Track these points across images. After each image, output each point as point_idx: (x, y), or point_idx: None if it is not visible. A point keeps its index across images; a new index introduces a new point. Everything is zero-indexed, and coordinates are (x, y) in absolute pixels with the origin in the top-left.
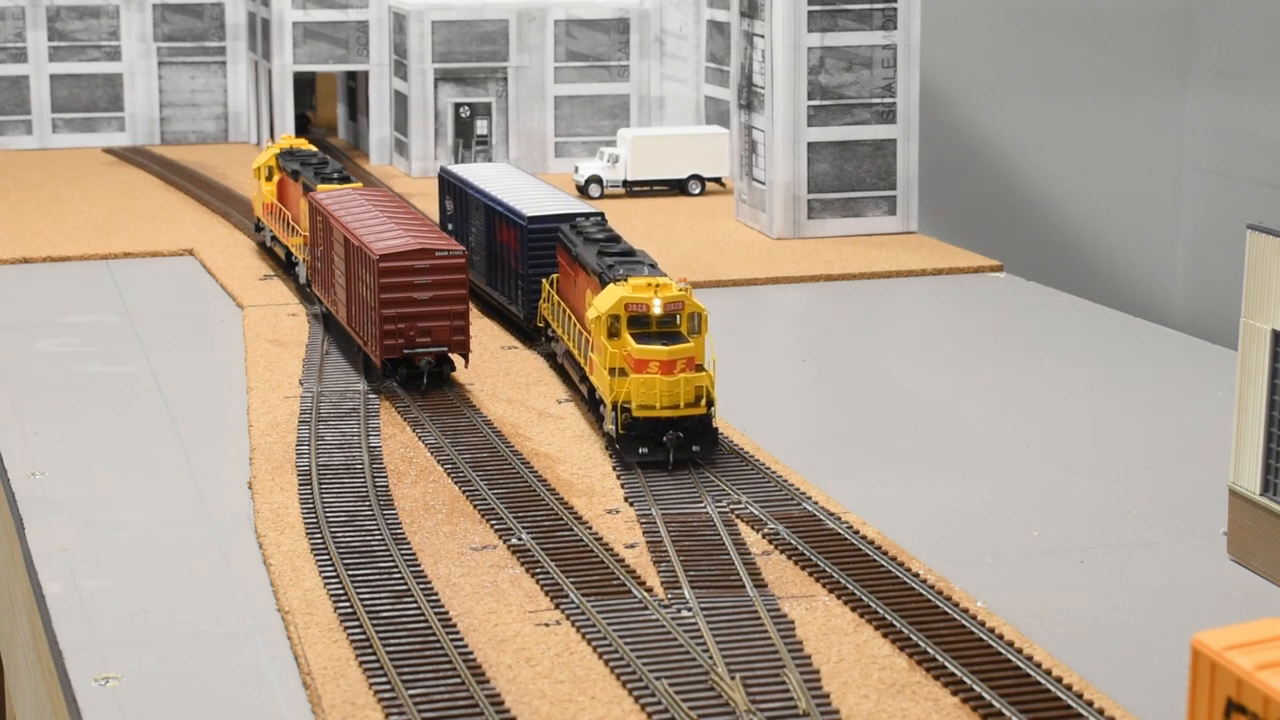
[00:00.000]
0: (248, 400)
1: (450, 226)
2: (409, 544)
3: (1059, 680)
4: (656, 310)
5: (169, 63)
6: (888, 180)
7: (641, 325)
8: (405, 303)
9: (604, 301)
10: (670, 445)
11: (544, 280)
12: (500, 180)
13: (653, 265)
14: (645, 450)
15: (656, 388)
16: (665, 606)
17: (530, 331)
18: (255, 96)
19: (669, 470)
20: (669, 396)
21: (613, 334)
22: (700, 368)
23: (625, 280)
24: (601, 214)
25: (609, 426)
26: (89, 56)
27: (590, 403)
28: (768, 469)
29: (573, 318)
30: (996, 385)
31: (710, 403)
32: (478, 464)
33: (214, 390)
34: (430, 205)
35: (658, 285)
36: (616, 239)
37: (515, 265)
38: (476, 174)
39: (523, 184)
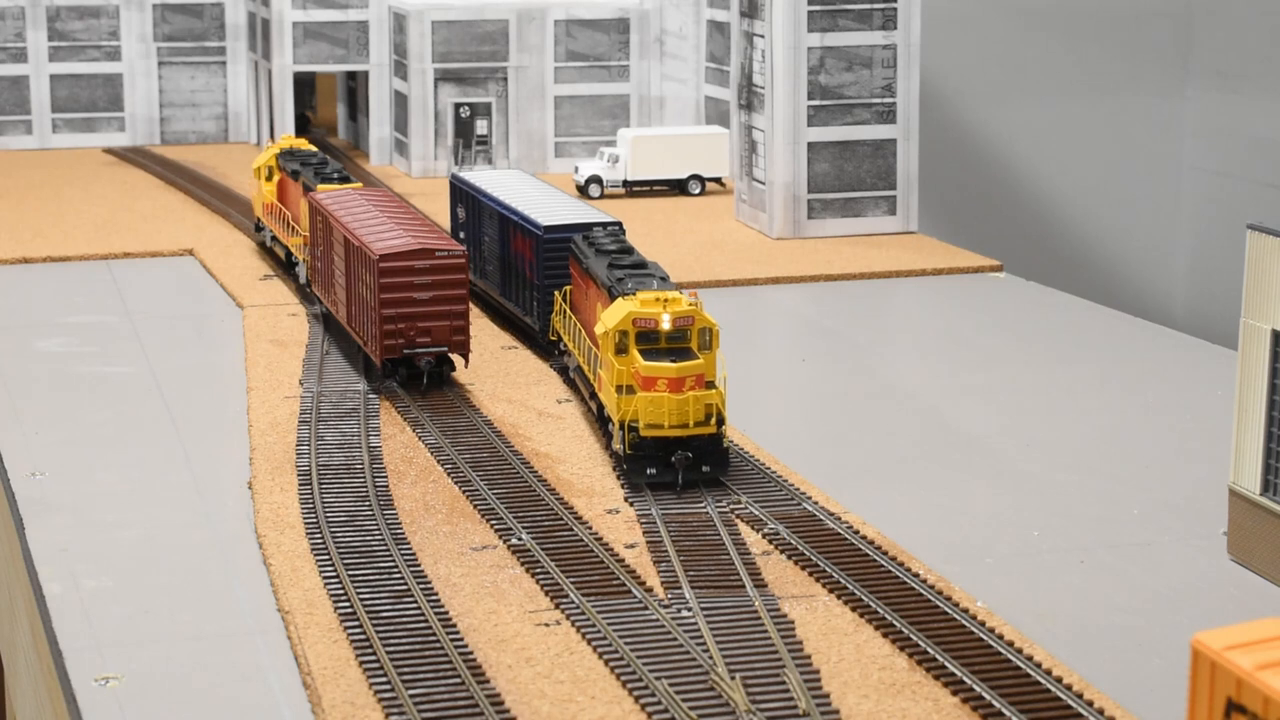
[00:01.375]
0: (248, 400)
1: (462, 235)
2: (409, 544)
3: (1059, 680)
4: (665, 326)
5: (169, 63)
6: (888, 180)
7: (650, 341)
8: (405, 303)
9: (612, 316)
10: (679, 466)
11: (556, 292)
12: (514, 187)
13: (664, 278)
14: (653, 471)
15: (665, 406)
16: (665, 606)
17: (544, 344)
18: (255, 96)
19: (676, 491)
20: (678, 415)
21: (620, 350)
22: (711, 385)
23: (634, 294)
24: (619, 223)
25: (616, 446)
26: (89, 56)
27: (599, 420)
28: (768, 469)
29: (584, 332)
30: (996, 385)
31: (721, 421)
32: (478, 464)
33: (214, 390)
34: (430, 205)
35: (667, 300)
36: (629, 250)
37: (530, 276)
38: (490, 181)
39: (537, 192)
